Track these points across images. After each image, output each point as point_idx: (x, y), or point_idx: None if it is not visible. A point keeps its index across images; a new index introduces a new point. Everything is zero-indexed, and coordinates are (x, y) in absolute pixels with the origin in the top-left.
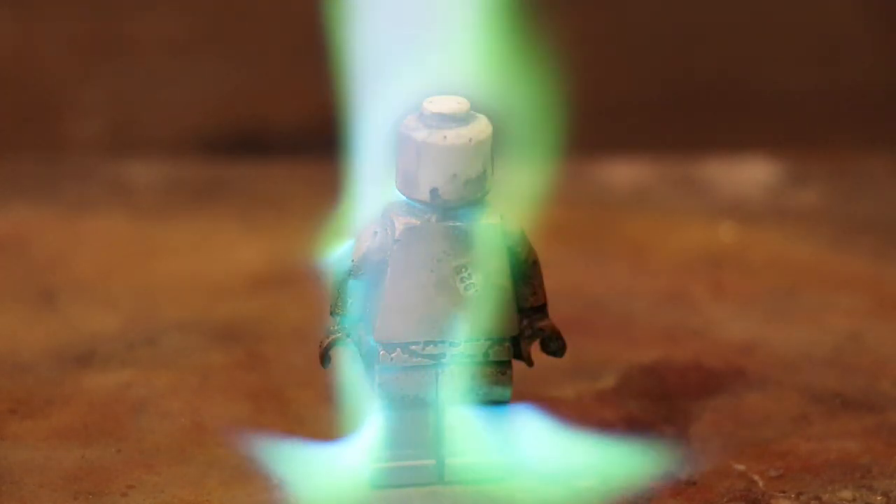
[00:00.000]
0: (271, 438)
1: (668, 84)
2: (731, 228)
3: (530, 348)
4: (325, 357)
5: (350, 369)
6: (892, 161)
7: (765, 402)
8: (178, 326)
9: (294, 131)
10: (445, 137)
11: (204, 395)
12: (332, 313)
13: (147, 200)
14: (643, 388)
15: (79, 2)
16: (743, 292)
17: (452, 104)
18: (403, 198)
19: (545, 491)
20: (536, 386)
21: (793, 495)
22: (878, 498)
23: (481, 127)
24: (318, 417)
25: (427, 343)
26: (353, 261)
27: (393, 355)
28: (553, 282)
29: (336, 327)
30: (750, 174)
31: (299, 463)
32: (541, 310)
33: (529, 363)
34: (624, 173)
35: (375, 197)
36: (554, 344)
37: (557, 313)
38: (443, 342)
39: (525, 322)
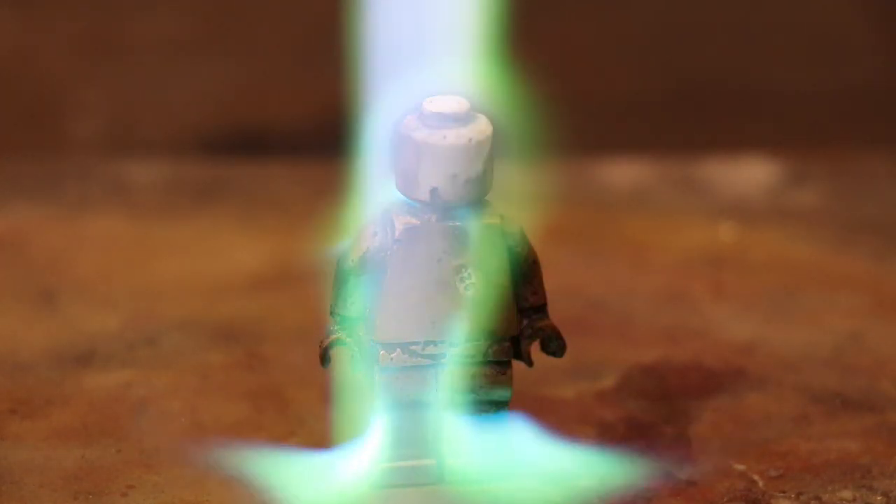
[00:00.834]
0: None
1: (668, 84)
2: (731, 228)
3: (530, 348)
4: (325, 357)
5: (350, 369)
6: (893, 161)
7: (765, 402)
8: (178, 326)
9: (294, 131)
10: (445, 137)
11: (204, 395)
12: (332, 313)
13: (147, 200)
14: (643, 388)
15: (79, 2)
16: (743, 292)
17: (452, 104)
18: (403, 198)
19: (545, 491)
20: (536, 386)
21: (793, 495)
22: (878, 498)
23: (481, 127)
24: (318, 417)
25: (427, 343)
26: (352, 261)
27: (393, 355)
28: (553, 282)
29: (336, 327)
30: (750, 174)
31: (299, 463)
32: (541, 310)
33: (529, 363)
34: (624, 173)
35: (376, 197)
36: (554, 344)
37: (557, 313)
38: (443, 342)
39: (525, 322)
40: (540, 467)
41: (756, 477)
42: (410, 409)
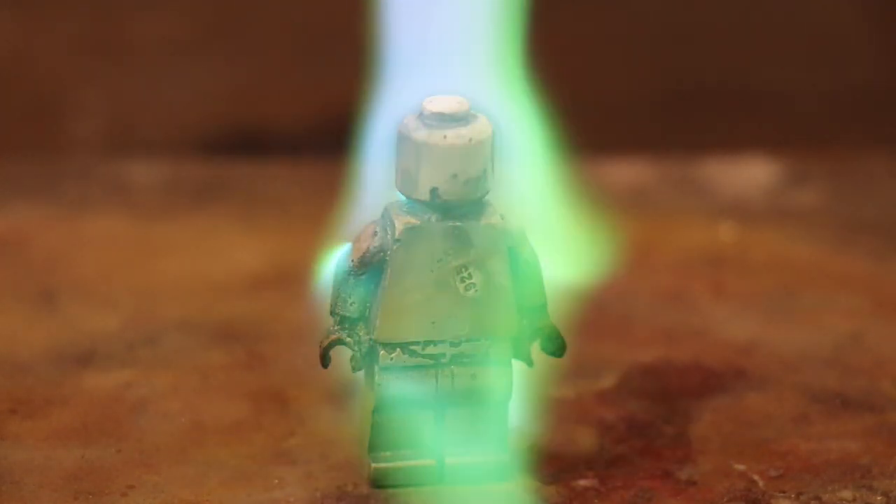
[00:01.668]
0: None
1: (668, 84)
2: (731, 228)
3: (530, 348)
4: (325, 357)
5: (349, 369)
6: (893, 161)
7: (765, 402)
8: (178, 326)
9: (294, 131)
10: (445, 137)
11: (204, 395)
12: (331, 313)
13: (147, 200)
14: (643, 388)
15: (79, 2)
16: (743, 292)
17: (452, 104)
18: (403, 198)
19: (545, 491)
20: (536, 386)
21: (793, 495)
22: (878, 498)
23: (481, 127)
24: (318, 417)
25: (427, 343)
26: (352, 261)
27: (393, 355)
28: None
29: (336, 327)
30: (750, 174)
31: (298, 463)
32: (541, 309)
33: (529, 363)
34: (624, 173)
35: (376, 197)
36: (554, 344)
37: (557, 313)
38: (443, 342)
39: (525, 322)
40: (539, 467)
41: (756, 477)
42: (410, 408)
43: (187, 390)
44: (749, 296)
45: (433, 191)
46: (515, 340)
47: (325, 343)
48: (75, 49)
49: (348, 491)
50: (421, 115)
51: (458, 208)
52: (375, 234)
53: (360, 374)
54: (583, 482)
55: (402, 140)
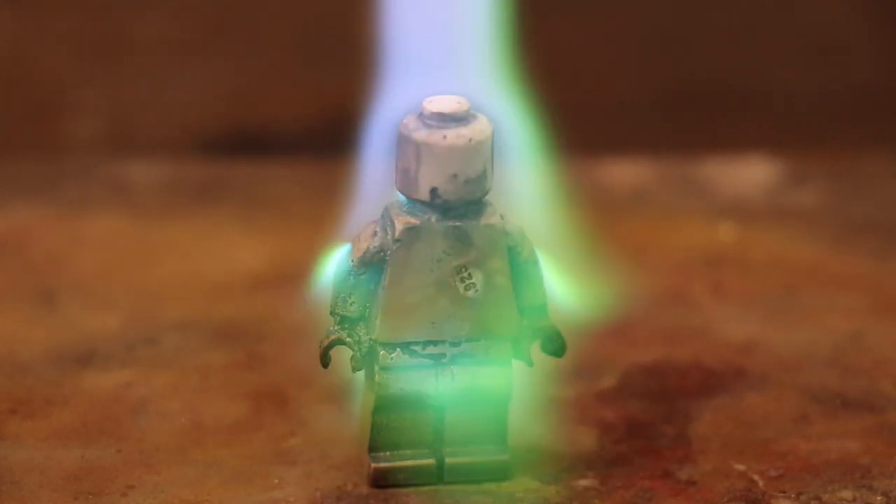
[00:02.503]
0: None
1: (668, 84)
2: (731, 228)
3: (530, 348)
4: (325, 357)
5: (349, 369)
6: (892, 161)
7: (765, 402)
8: (178, 326)
9: (294, 131)
10: (445, 137)
11: (204, 395)
12: (332, 313)
13: (147, 200)
14: (643, 388)
15: (79, 2)
16: (743, 292)
17: (452, 104)
18: (403, 198)
19: (545, 491)
20: (536, 386)
21: (793, 495)
22: (878, 498)
23: (481, 127)
24: (318, 417)
25: (427, 343)
26: (352, 261)
27: (393, 355)
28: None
29: (336, 327)
30: (750, 174)
31: (298, 463)
32: (541, 309)
33: (529, 363)
34: (624, 173)
35: (376, 197)
36: (554, 344)
37: (558, 313)
38: (443, 342)
39: (525, 322)
40: (539, 467)
41: (756, 477)
42: (410, 408)
43: (187, 390)
44: (749, 296)
45: (433, 191)
46: (515, 340)
47: (325, 343)
48: (75, 49)
49: (348, 491)
50: (421, 115)
51: (457, 208)
52: (375, 234)
53: (360, 374)
54: (583, 482)
55: (402, 140)
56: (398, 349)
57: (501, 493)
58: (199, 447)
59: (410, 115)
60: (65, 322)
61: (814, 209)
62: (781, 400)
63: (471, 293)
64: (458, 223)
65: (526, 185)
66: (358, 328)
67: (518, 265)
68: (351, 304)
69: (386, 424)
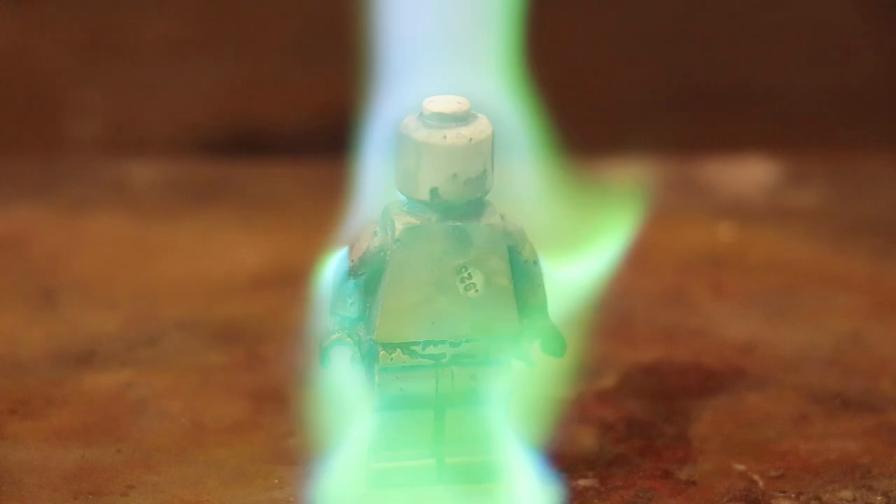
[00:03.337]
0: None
1: (668, 84)
2: (731, 228)
3: (530, 348)
4: (324, 357)
5: (349, 369)
6: (892, 161)
7: (765, 402)
8: (178, 326)
9: (294, 131)
10: (445, 137)
11: (204, 395)
12: (331, 313)
13: (147, 200)
14: (643, 388)
15: (79, 2)
16: (743, 292)
17: (452, 104)
18: (403, 198)
19: (545, 491)
20: (536, 386)
21: (793, 495)
22: (878, 498)
23: (481, 127)
24: (317, 417)
25: (427, 343)
26: (352, 261)
27: (393, 356)
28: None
29: (336, 327)
30: (750, 174)
31: (298, 463)
32: (541, 309)
33: (529, 363)
34: (624, 173)
35: (376, 197)
36: (554, 344)
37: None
38: (443, 342)
39: (525, 322)
40: (539, 467)
41: (756, 477)
42: (409, 409)
43: (187, 390)
44: (749, 296)
45: (433, 191)
46: (515, 340)
47: (325, 343)
48: (75, 49)
49: (348, 491)
50: (421, 115)
51: (458, 208)
52: (375, 234)
53: (359, 374)
54: (583, 482)
55: (402, 140)
56: (398, 349)
57: (501, 493)
58: (199, 447)
59: (411, 114)
60: (65, 322)
61: (813, 209)
62: (781, 400)
63: (471, 293)
64: (458, 223)
65: (526, 185)
66: (358, 328)
67: (518, 265)
68: (350, 305)
69: (386, 424)
